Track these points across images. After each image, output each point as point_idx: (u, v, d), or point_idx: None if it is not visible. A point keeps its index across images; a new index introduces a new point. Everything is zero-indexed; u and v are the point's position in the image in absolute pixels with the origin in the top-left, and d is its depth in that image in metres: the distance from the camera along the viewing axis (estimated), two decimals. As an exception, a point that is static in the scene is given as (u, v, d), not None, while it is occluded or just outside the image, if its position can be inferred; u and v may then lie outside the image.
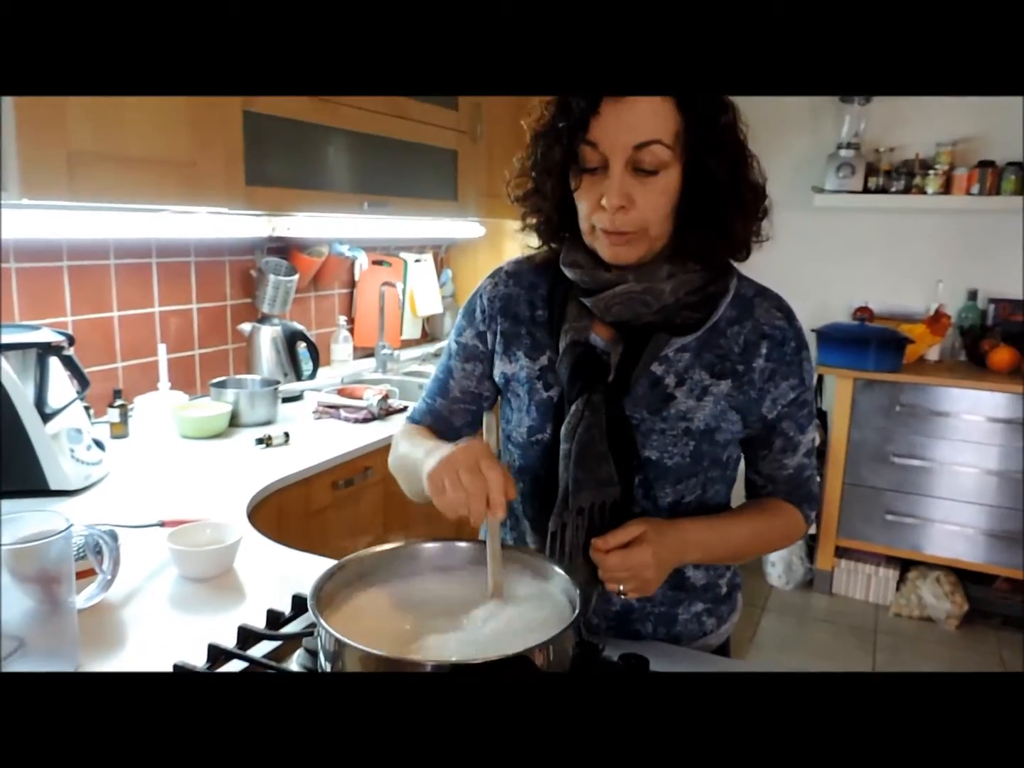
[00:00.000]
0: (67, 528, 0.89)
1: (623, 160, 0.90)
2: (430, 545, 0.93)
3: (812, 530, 3.26)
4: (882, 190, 3.25)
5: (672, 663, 0.98)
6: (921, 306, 3.37)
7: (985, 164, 3.10)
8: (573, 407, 0.98)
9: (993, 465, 2.97)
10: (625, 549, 0.90)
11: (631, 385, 0.98)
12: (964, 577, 3.13)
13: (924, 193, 3.18)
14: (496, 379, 1.11)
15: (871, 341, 3.02)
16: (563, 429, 0.99)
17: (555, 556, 0.98)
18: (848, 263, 3.51)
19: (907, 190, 3.22)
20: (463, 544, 0.94)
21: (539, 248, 1.09)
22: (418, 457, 0.98)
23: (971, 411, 2.97)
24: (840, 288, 3.52)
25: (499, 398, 1.15)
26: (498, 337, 1.09)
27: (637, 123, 0.88)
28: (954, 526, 3.07)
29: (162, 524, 1.31)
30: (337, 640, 0.70)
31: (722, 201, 0.93)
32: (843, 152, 3.25)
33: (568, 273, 1.02)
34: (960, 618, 3.06)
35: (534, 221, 1.05)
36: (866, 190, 3.27)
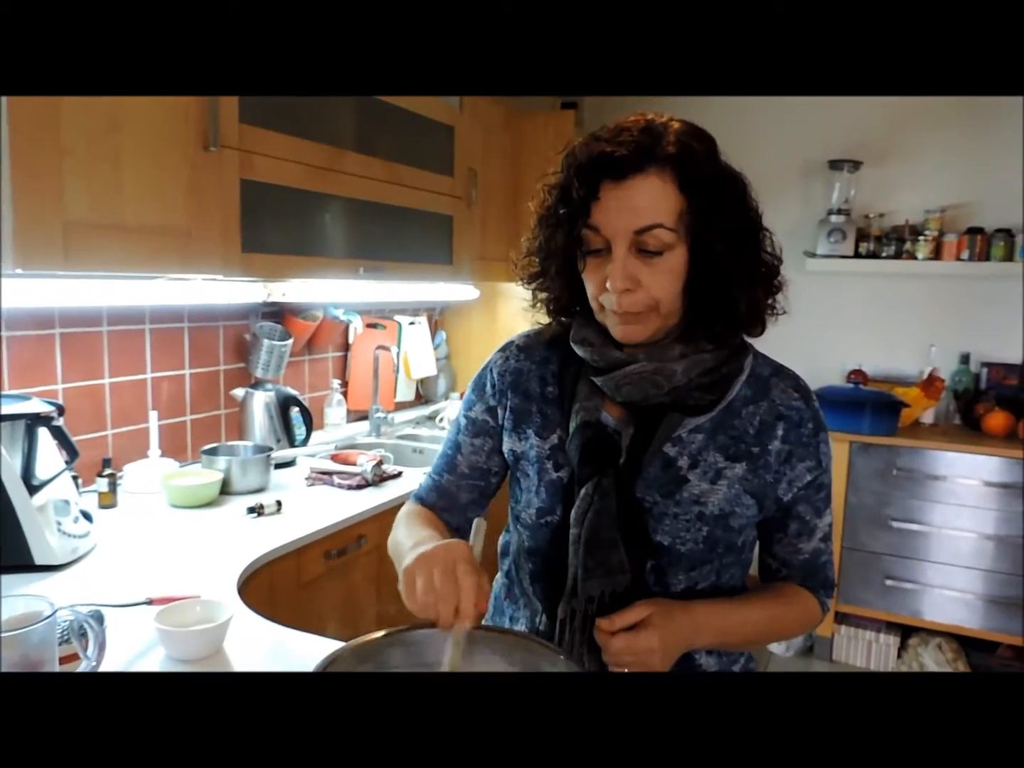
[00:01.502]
0: (52, 614, 0.86)
1: (626, 244, 0.89)
2: (428, 631, 0.89)
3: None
4: (873, 255, 3.29)
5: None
6: (914, 369, 3.39)
7: (974, 231, 3.14)
8: (583, 491, 0.96)
9: (991, 530, 2.94)
10: (631, 632, 0.88)
11: (643, 467, 0.96)
12: (966, 644, 3.08)
13: (915, 258, 3.22)
14: (505, 455, 1.08)
15: (866, 404, 3.02)
16: (573, 513, 0.96)
17: (564, 643, 0.96)
18: (841, 327, 3.53)
19: (898, 255, 3.26)
20: (479, 632, 0.90)
21: (549, 323, 1.08)
22: (405, 548, 0.95)
23: (967, 475, 2.96)
24: (833, 351, 3.54)
25: (507, 476, 1.13)
26: (508, 412, 1.07)
27: (638, 207, 0.88)
28: (954, 592, 3.03)
29: (150, 602, 1.27)
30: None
31: (731, 279, 0.91)
32: (834, 218, 3.30)
33: (578, 351, 1.00)
34: (964, 687, 3.00)
35: (544, 297, 1.04)
36: (857, 255, 3.31)
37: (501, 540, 1.17)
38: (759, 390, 0.98)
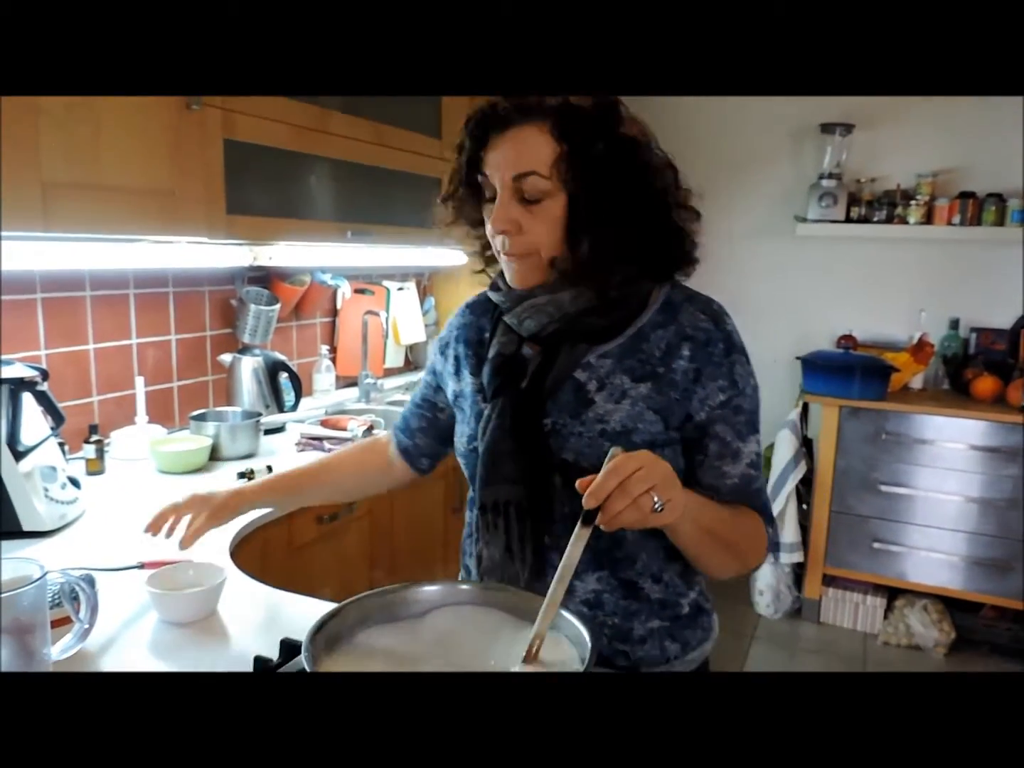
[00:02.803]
0: (42, 576, 0.84)
1: (507, 190, 0.98)
2: (430, 588, 0.89)
3: (800, 558, 3.24)
4: (864, 220, 3.28)
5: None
6: (904, 335, 3.39)
7: (966, 195, 3.13)
8: (485, 411, 1.06)
9: (976, 493, 2.97)
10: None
11: (554, 391, 1.02)
12: (951, 605, 3.12)
13: (906, 223, 3.21)
14: (449, 399, 1.20)
15: (856, 369, 3.02)
16: (479, 431, 1.06)
17: (482, 551, 1.04)
18: (831, 292, 3.52)
19: (889, 220, 3.24)
20: (465, 587, 0.89)
21: (480, 271, 1.17)
22: None
23: (955, 439, 2.98)
24: (823, 316, 3.54)
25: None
26: (452, 361, 1.18)
27: (515, 155, 0.97)
28: (940, 554, 3.06)
29: (142, 565, 1.25)
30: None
31: (614, 224, 0.97)
32: (825, 182, 3.28)
33: (492, 296, 1.11)
34: (948, 646, 3.05)
35: (475, 248, 1.14)
36: (848, 219, 3.29)
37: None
38: (669, 316, 1.03)
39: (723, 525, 0.97)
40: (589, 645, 0.74)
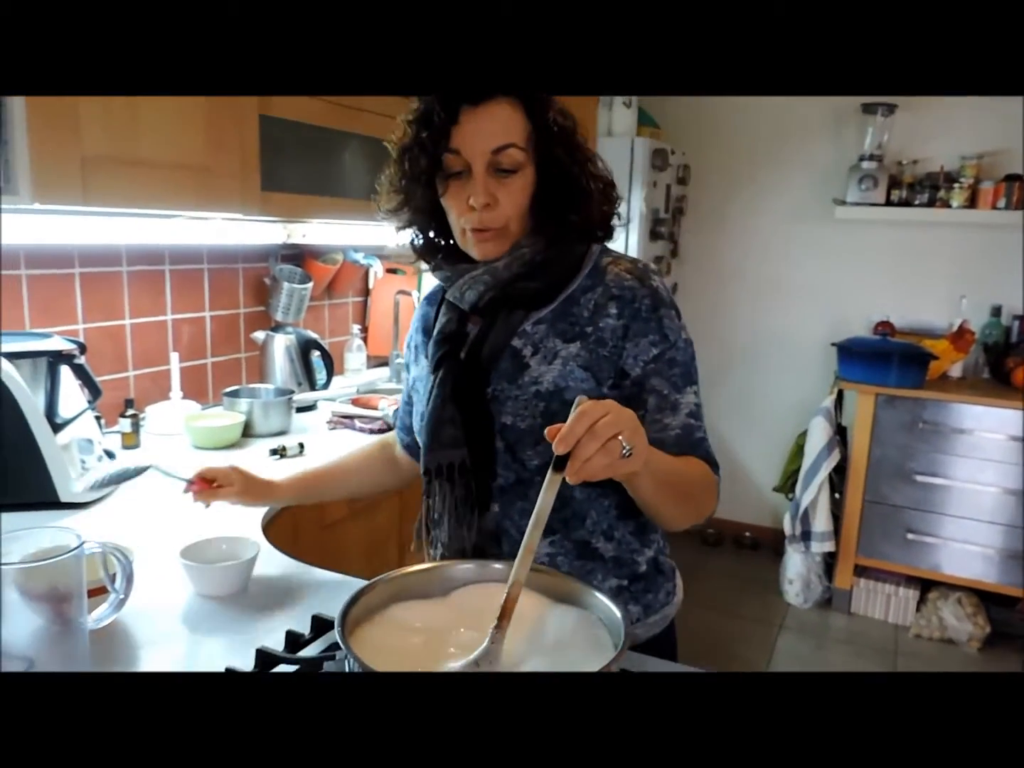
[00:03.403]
0: (79, 546, 0.85)
1: (484, 163, 1.01)
2: (464, 566, 0.88)
3: (831, 547, 3.20)
4: (905, 203, 3.21)
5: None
6: (943, 321, 3.32)
7: (1012, 178, 3.05)
8: (431, 382, 1.09)
9: (1014, 484, 2.91)
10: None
11: (490, 359, 1.06)
12: (986, 599, 3.07)
13: (948, 207, 3.13)
14: (410, 385, 1.24)
15: (893, 356, 2.97)
16: (424, 402, 1.10)
17: (426, 517, 1.10)
18: (869, 276, 3.46)
19: (931, 203, 3.17)
20: (498, 565, 0.88)
21: (414, 262, 1.21)
22: None
23: (994, 429, 2.91)
24: (861, 302, 3.47)
25: None
26: (411, 352, 1.24)
27: (494, 129, 1.00)
28: (975, 546, 3.01)
29: (191, 482, 1.24)
30: (363, 668, 0.65)
31: (571, 188, 1.05)
32: (865, 164, 3.21)
33: (436, 276, 1.14)
34: (982, 640, 3.00)
35: (410, 239, 1.16)
36: (889, 203, 3.22)
37: None
38: (596, 278, 1.07)
39: (676, 475, 0.96)
40: (623, 628, 0.73)
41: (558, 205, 1.06)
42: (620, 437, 0.76)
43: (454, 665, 0.74)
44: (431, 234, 1.15)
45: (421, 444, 1.12)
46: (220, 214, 1.80)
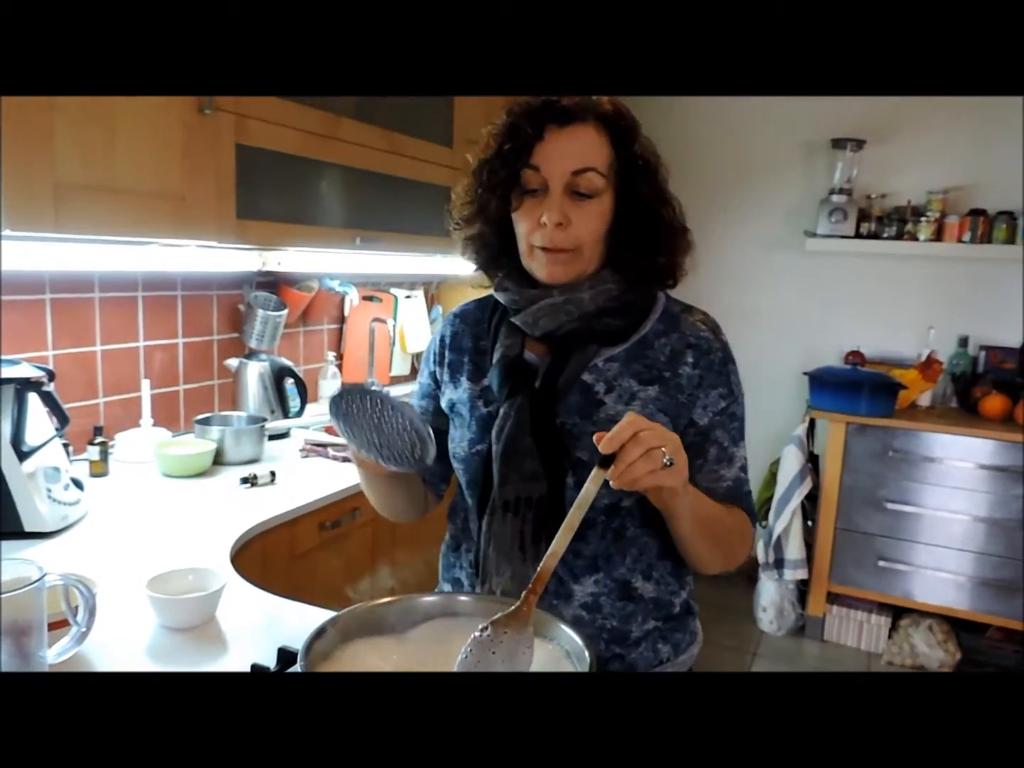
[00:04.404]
0: (40, 578, 0.84)
1: (562, 184, 1.00)
2: (429, 599, 0.88)
3: (804, 575, 3.21)
4: (874, 235, 3.27)
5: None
6: (912, 352, 3.37)
7: (976, 212, 3.12)
8: (501, 410, 1.05)
9: (984, 512, 2.95)
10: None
11: (562, 393, 1.04)
12: (957, 625, 3.09)
13: (916, 240, 3.20)
14: (444, 408, 1.17)
15: (864, 386, 3.01)
16: (493, 432, 1.05)
17: (488, 553, 1.03)
18: (840, 307, 3.51)
19: (899, 236, 3.24)
20: (464, 597, 0.89)
21: (476, 270, 1.18)
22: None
23: (963, 458, 2.95)
24: (831, 332, 3.52)
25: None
26: (445, 370, 1.17)
27: (576, 151, 1.00)
28: (946, 573, 3.04)
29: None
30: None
31: (648, 230, 1.04)
32: (835, 197, 3.27)
33: (500, 297, 1.11)
34: (953, 667, 3.02)
35: (474, 247, 1.13)
36: (858, 235, 3.28)
37: (451, 502, 1.22)
38: (670, 325, 1.08)
39: (715, 519, 1.01)
40: (588, 660, 0.73)
41: (633, 239, 1.05)
42: (663, 449, 0.82)
43: (477, 633, 0.77)
44: (497, 249, 1.12)
45: (495, 475, 1.04)
46: (195, 241, 1.80)
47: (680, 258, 1.08)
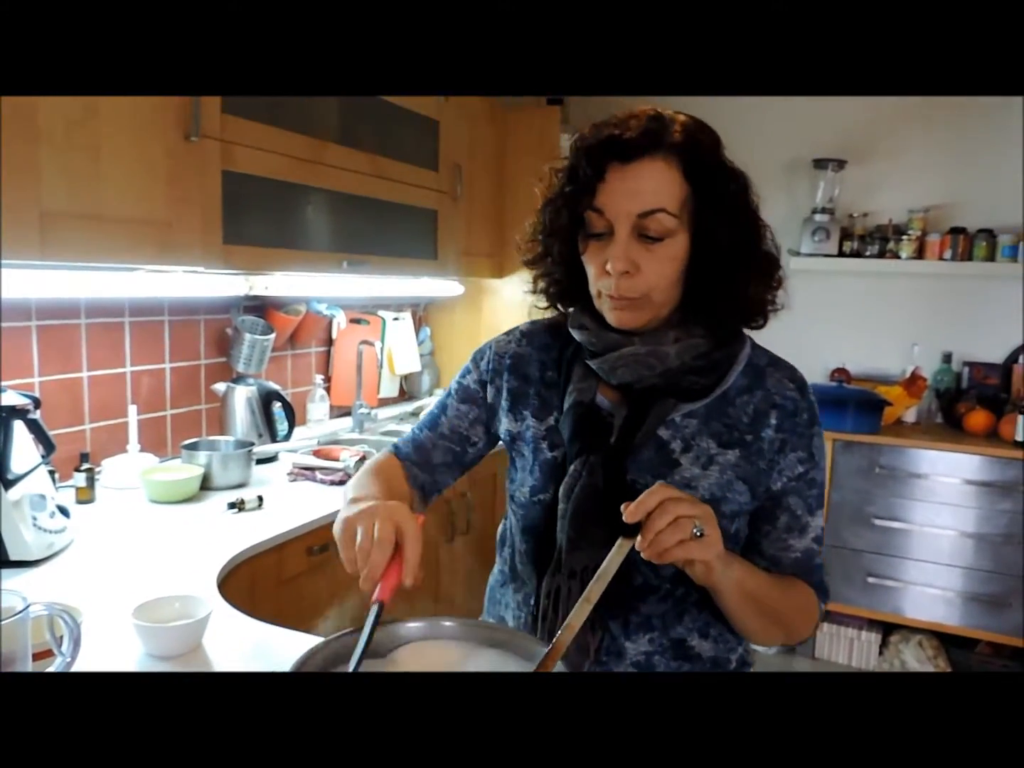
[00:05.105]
0: (24, 609, 0.84)
1: (628, 227, 0.90)
2: (413, 624, 0.88)
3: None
4: (857, 254, 3.30)
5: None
6: (897, 368, 3.40)
7: (957, 230, 3.16)
8: (572, 467, 0.97)
9: (971, 528, 2.96)
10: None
11: (635, 448, 0.96)
12: (946, 641, 3.09)
13: (898, 258, 3.23)
14: (502, 436, 1.10)
15: (849, 403, 3.03)
16: (561, 489, 0.97)
17: (548, 619, 0.96)
18: (824, 325, 3.54)
19: (881, 254, 3.27)
20: (448, 623, 0.88)
21: (546, 308, 1.09)
22: (349, 498, 0.97)
23: (949, 473, 2.97)
24: (816, 350, 3.55)
25: (485, 452, 1.15)
26: (504, 394, 1.08)
27: (642, 191, 0.89)
28: (935, 589, 3.04)
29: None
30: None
31: (731, 269, 0.93)
32: (818, 216, 3.31)
33: (576, 335, 1.02)
34: (944, 684, 3.02)
35: (543, 284, 1.06)
36: (841, 254, 3.32)
37: (500, 529, 1.17)
38: (754, 379, 0.99)
39: (769, 595, 0.94)
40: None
41: (715, 278, 0.93)
42: (694, 520, 0.78)
43: None
44: (568, 287, 1.03)
45: (523, 516, 1.02)
46: (182, 267, 1.81)
47: (769, 295, 0.97)
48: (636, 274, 0.91)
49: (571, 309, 1.06)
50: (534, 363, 1.08)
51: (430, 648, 0.86)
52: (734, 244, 0.92)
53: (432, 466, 1.13)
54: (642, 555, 0.79)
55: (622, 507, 0.79)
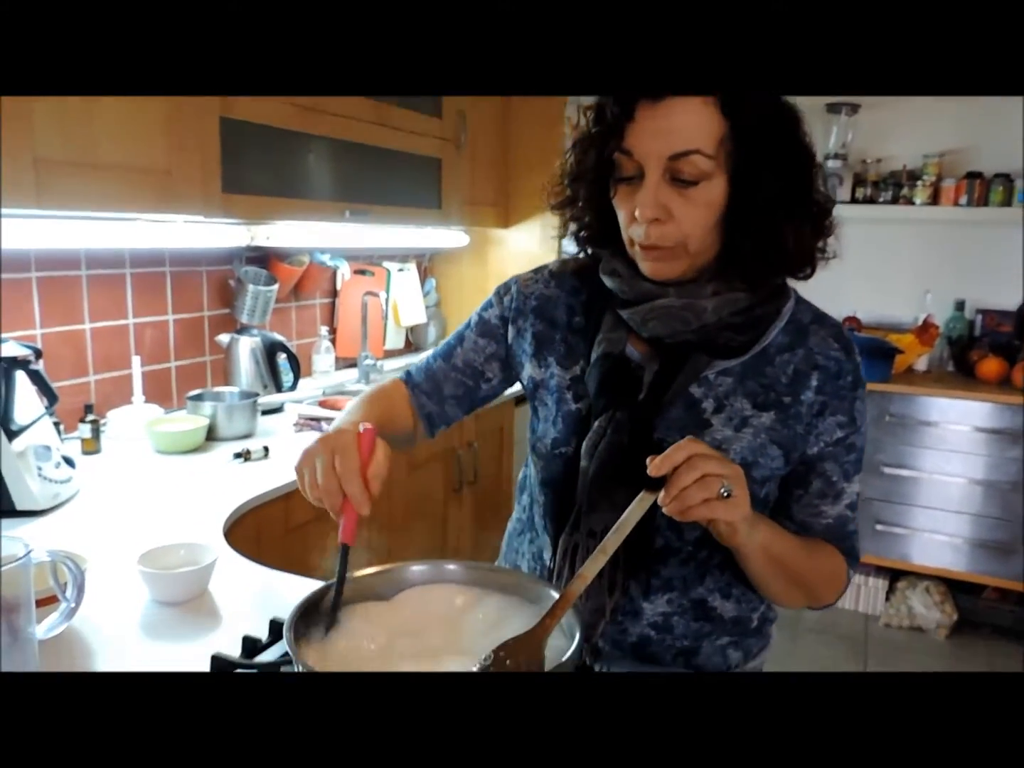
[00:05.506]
0: (26, 555, 0.83)
1: (659, 170, 0.84)
2: (417, 568, 0.87)
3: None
4: (870, 200, 3.24)
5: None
6: (909, 316, 3.36)
7: (973, 175, 3.09)
8: (597, 423, 0.93)
9: (980, 475, 2.95)
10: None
11: (664, 405, 0.92)
12: (953, 587, 3.11)
13: (912, 204, 3.17)
14: (524, 383, 1.06)
15: (860, 351, 2.98)
16: (584, 445, 0.93)
17: (564, 577, 0.93)
18: (836, 273, 3.45)
19: (895, 200, 3.21)
20: (452, 566, 0.88)
21: (581, 254, 1.03)
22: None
23: (959, 421, 2.95)
24: (828, 298, 3.47)
25: (500, 390, 1.12)
26: (529, 338, 1.03)
27: (674, 130, 0.82)
28: (943, 536, 3.05)
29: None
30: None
31: (776, 216, 0.85)
32: (830, 163, 3.24)
33: (607, 282, 0.96)
34: (950, 628, 3.04)
35: (574, 228, 1.00)
36: (854, 200, 3.26)
37: (520, 475, 1.15)
38: (796, 337, 0.93)
39: (795, 560, 0.90)
40: (576, 639, 0.71)
41: (756, 229, 0.86)
42: (722, 479, 0.74)
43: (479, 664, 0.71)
44: (599, 232, 0.97)
45: (543, 468, 0.99)
46: (181, 217, 1.78)
47: (817, 243, 0.90)
48: (668, 221, 0.85)
49: (602, 252, 0.99)
50: (561, 307, 1.02)
51: (436, 591, 0.85)
52: (779, 188, 0.85)
53: (442, 397, 1.09)
54: (663, 510, 0.75)
55: (648, 460, 0.75)
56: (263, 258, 2.45)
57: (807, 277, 0.93)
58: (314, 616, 0.78)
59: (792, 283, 0.97)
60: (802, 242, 0.88)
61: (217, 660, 0.90)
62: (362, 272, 2.86)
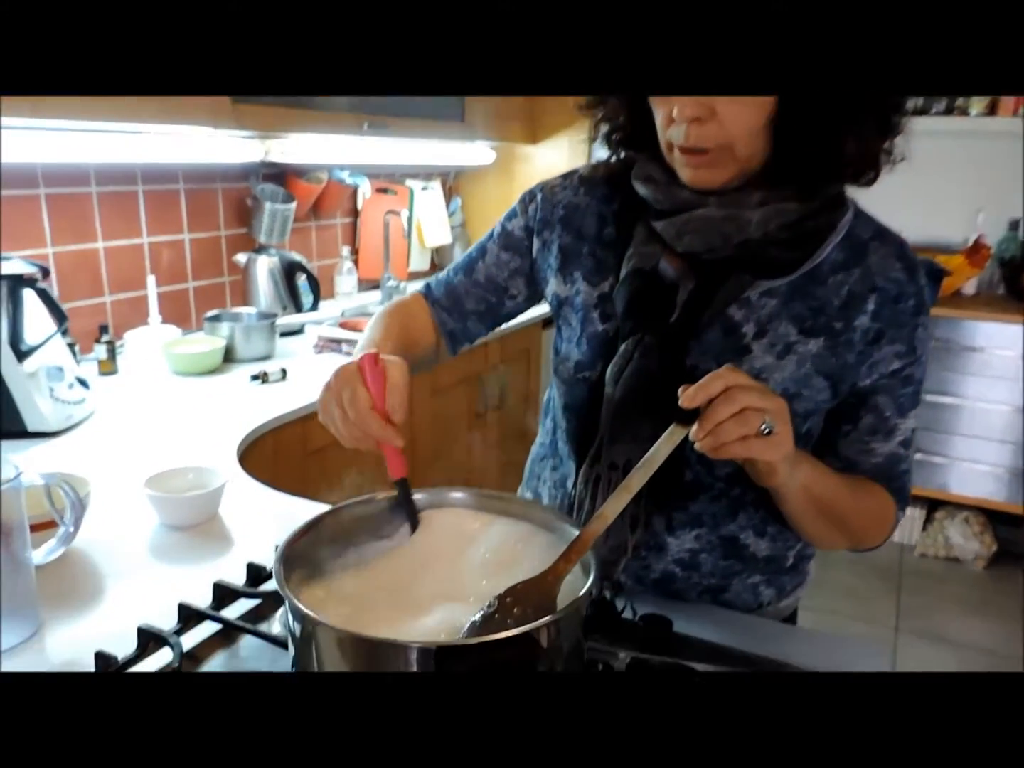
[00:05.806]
0: (15, 477, 0.80)
1: None
2: (418, 496, 0.81)
3: (835, 469, 3.16)
4: (921, 111, 3.04)
5: (717, 629, 0.85)
6: (959, 236, 3.19)
7: (1035, 80, 2.88)
8: (623, 347, 0.85)
9: (1025, 402, 2.84)
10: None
11: (699, 329, 0.83)
12: (993, 517, 3.03)
13: (967, 115, 2.98)
14: (548, 300, 0.98)
15: (904, 272, 2.86)
16: (609, 370, 0.86)
17: (585, 510, 0.87)
18: (882, 188, 3.28)
19: (949, 111, 3.01)
20: (457, 494, 0.82)
21: (616, 157, 0.93)
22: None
23: (1007, 346, 2.82)
24: (873, 214, 3.34)
25: (525, 307, 1.05)
26: (555, 251, 0.95)
27: None
28: (984, 465, 2.96)
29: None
30: (306, 618, 0.59)
31: (834, 115, 0.75)
32: (880, 68, 3.05)
33: (640, 189, 0.87)
34: (988, 559, 2.98)
35: (606, 129, 0.90)
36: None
37: (545, 397, 1.08)
38: (853, 255, 0.83)
39: (838, 501, 0.83)
40: (591, 577, 0.64)
41: (811, 130, 0.76)
42: (764, 415, 0.66)
43: (481, 612, 0.65)
44: (633, 134, 0.88)
45: (565, 392, 0.92)
46: (188, 127, 1.70)
47: (883, 143, 0.79)
48: (710, 120, 0.75)
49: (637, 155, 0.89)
50: (591, 216, 0.93)
51: (447, 516, 0.80)
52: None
53: (464, 313, 1.02)
54: (696, 446, 0.68)
55: (680, 389, 0.67)
56: (280, 175, 2.37)
57: (870, 183, 0.82)
58: (301, 556, 0.72)
59: (853, 192, 0.86)
60: (866, 144, 0.78)
61: (220, 588, 0.87)
62: (384, 191, 2.77)
